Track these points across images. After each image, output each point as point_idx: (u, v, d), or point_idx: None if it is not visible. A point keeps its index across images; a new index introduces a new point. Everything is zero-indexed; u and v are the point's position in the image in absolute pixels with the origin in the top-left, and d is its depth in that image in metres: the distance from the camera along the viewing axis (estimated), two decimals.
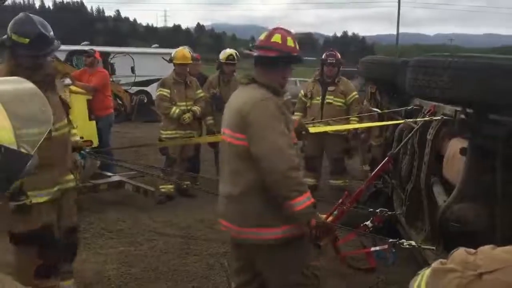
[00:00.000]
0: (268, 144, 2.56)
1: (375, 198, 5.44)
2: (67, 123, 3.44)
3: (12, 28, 3.01)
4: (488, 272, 0.84)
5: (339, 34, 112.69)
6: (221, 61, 7.05)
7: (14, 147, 0.93)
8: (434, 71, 2.65)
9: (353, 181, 7.37)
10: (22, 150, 0.95)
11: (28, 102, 1.03)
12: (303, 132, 3.30)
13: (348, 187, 6.79)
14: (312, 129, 6.27)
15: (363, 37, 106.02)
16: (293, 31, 2.93)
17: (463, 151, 2.93)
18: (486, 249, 0.91)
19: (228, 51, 7.15)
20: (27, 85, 1.08)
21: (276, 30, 2.84)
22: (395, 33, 47.06)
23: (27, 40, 2.97)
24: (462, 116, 3.11)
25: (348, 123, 6.57)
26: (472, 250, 0.92)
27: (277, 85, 2.78)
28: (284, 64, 2.81)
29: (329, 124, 6.44)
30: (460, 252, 0.93)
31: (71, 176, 3.45)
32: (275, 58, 2.75)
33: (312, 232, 2.67)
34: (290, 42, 2.78)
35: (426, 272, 0.96)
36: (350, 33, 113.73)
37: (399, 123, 4.89)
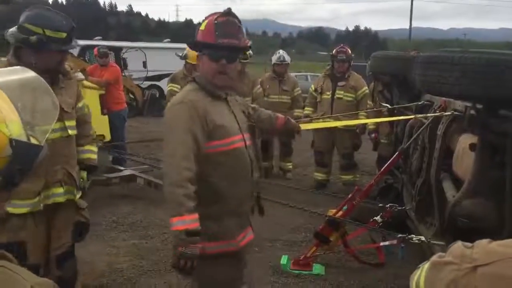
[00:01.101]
0: (165, 151, 2.36)
1: (385, 193, 5.45)
2: (60, 127, 2.96)
3: (42, 24, 2.76)
4: (483, 265, 0.86)
5: (351, 29, 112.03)
6: None
7: (24, 138, 0.93)
8: (444, 66, 2.65)
9: (364, 176, 7.38)
10: (33, 141, 0.97)
11: (34, 92, 1.03)
12: (296, 132, 3.12)
13: (358, 182, 6.82)
14: (303, 126, 6.27)
15: (376, 32, 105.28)
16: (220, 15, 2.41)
17: (472, 146, 2.94)
18: (482, 243, 0.93)
19: None
20: (31, 74, 1.07)
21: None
22: (407, 27, 46.72)
23: (65, 34, 2.81)
24: (472, 111, 3.11)
25: (358, 119, 6.57)
26: (469, 244, 0.94)
27: (208, 84, 2.42)
28: (205, 56, 2.40)
29: (339, 119, 6.44)
30: (458, 246, 0.95)
31: (61, 190, 3.00)
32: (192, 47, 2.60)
33: (175, 259, 2.25)
34: (202, 26, 2.40)
35: (425, 266, 0.98)
36: (362, 28, 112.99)
37: (410, 119, 4.89)
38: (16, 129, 0.92)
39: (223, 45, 2.33)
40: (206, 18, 2.45)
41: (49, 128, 1.03)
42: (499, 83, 2.42)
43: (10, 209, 2.68)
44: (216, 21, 2.35)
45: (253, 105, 3.00)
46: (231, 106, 2.49)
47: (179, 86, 6.70)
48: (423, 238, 3.98)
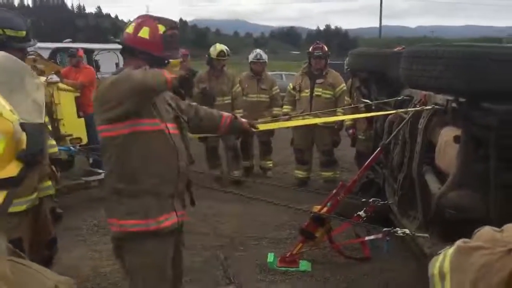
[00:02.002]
0: (124, 86, 2.41)
1: (366, 189, 5.51)
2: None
3: (2, 25, 2.94)
4: None
5: (322, 28, 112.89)
6: (212, 56, 7.04)
7: (18, 121, 0.92)
8: (428, 60, 2.69)
9: (344, 172, 7.44)
10: (36, 120, 0.97)
11: (14, 72, 1.05)
12: (246, 133, 3.19)
13: (338, 179, 6.87)
14: (261, 126, 6.30)
15: (346, 30, 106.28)
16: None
17: (456, 139, 2.99)
18: (510, 226, 0.94)
19: (219, 47, 7.14)
20: (12, 57, 1.10)
21: (138, 18, 2.60)
22: (377, 25, 47.34)
23: (24, 33, 2.98)
24: (454, 105, 3.17)
25: (337, 115, 6.61)
26: (497, 229, 0.96)
27: None
28: (141, 61, 2.53)
29: (318, 117, 6.47)
30: (487, 230, 0.96)
31: (49, 182, 3.17)
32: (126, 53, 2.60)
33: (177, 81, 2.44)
34: (144, 33, 2.51)
35: (449, 251, 0.98)
36: (332, 27, 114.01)
37: (389, 114, 4.96)
38: (11, 115, 0.91)
39: (167, 58, 2.56)
40: (143, 22, 2.53)
41: (39, 100, 1.06)
42: (483, 76, 2.47)
43: (11, 209, 2.68)
44: (164, 33, 2.52)
45: (191, 103, 3.00)
46: None
47: None
48: (407, 231, 4.05)
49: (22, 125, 0.91)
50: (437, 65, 2.61)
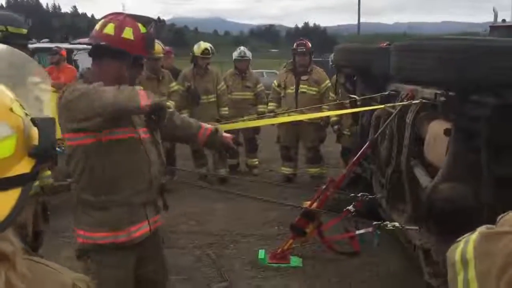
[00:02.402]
0: (95, 104, 2.24)
1: (354, 184, 5.54)
2: None
3: (5, 22, 3.05)
4: None
5: (300, 26, 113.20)
6: (196, 54, 7.00)
7: (28, 116, 0.90)
8: (419, 54, 2.72)
9: (329, 168, 7.48)
10: (46, 113, 0.95)
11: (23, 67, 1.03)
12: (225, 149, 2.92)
13: (325, 175, 6.91)
14: (269, 121, 6.34)
15: (325, 28, 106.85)
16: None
17: (447, 132, 3.03)
18: None
19: (203, 45, 7.10)
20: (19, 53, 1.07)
21: (111, 17, 2.42)
22: (355, 22, 47.71)
23: (25, 30, 3.06)
24: (443, 98, 3.20)
25: (322, 112, 6.64)
26: None
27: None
28: (118, 62, 2.40)
29: (303, 113, 6.49)
30: None
31: (49, 172, 3.29)
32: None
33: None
34: (127, 34, 2.36)
35: (471, 238, 0.97)
36: (311, 24, 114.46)
37: (376, 109, 5.00)
38: (20, 110, 0.89)
39: (147, 56, 2.44)
40: (123, 23, 2.37)
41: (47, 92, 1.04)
42: (474, 69, 2.51)
43: None
44: (146, 33, 2.40)
45: (170, 109, 2.80)
46: None
47: (141, 88, 6.54)
48: (397, 224, 4.08)
49: (33, 120, 0.89)
50: (428, 59, 2.63)
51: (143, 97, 2.14)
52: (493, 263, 0.87)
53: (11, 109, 0.84)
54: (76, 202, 2.42)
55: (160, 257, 2.66)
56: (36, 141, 0.88)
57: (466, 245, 0.96)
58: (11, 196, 0.81)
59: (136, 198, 2.39)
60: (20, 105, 0.89)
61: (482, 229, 0.97)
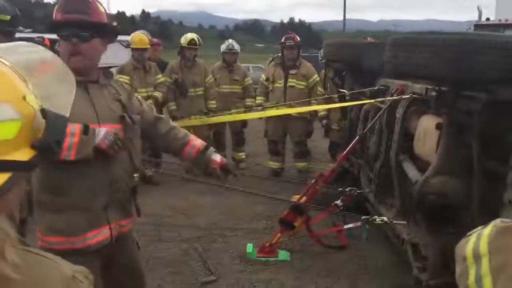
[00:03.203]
0: None
1: (341, 178, 5.55)
2: None
3: None
4: None
5: (285, 21, 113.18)
6: (183, 45, 6.93)
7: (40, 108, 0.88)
8: (415, 48, 2.71)
9: (316, 162, 7.49)
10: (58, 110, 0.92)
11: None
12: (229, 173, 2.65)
13: (312, 169, 6.92)
14: (257, 115, 6.34)
15: (310, 24, 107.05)
16: None
17: (438, 126, 3.04)
18: None
19: (190, 35, 7.04)
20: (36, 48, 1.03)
21: None
22: (339, 19, 47.82)
23: (8, 17, 3.01)
24: (433, 93, 3.21)
25: (311, 106, 6.64)
26: None
27: None
28: (59, 38, 2.22)
29: (291, 107, 6.48)
30: None
31: None
32: None
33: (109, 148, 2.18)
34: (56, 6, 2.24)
35: (484, 232, 0.94)
36: (296, 20, 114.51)
37: (364, 104, 5.01)
38: (35, 102, 0.86)
39: (69, 21, 2.15)
40: None
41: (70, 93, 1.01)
42: (471, 64, 2.51)
43: None
44: None
45: (160, 115, 2.65)
46: (90, 93, 2.21)
47: (128, 77, 6.49)
48: (385, 218, 4.10)
49: (43, 111, 0.86)
50: (424, 53, 2.63)
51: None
52: (509, 257, 0.85)
53: (24, 97, 0.83)
54: (34, 203, 2.25)
55: (132, 263, 2.46)
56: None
57: (479, 239, 0.94)
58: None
59: (94, 201, 2.20)
60: (35, 96, 0.87)
61: (497, 222, 0.95)
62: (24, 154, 0.82)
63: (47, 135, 0.85)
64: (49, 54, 1.06)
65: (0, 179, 0.78)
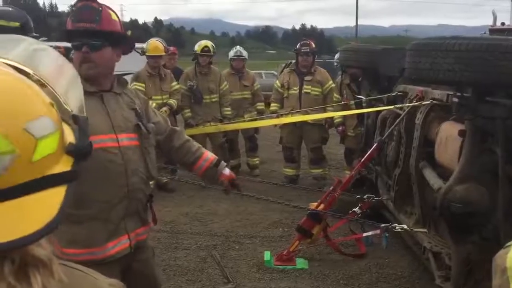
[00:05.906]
0: None
1: (359, 185, 5.50)
2: None
3: None
4: None
5: (297, 27, 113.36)
6: (197, 52, 6.95)
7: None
8: (437, 53, 2.67)
9: (331, 169, 7.44)
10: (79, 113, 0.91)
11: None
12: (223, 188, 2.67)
13: (327, 176, 6.88)
14: (272, 122, 6.32)
15: (321, 30, 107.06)
16: None
17: (461, 132, 2.99)
18: None
19: (204, 42, 7.07)
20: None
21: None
22: (351, 25, 47.75)
23: (18, 24, 2.97)
24: (455, 99, 3.17)
25: (327, 112, 6.61)
26: None
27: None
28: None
29: (307, 114, 6.44)
30: None
31: None
32: None
33: None
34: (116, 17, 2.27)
35: None
36: (308, 26, 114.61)
37: (381, 111, 4.96)
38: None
39: (78, 30, 2.15)
40: (106, 7, 2.27)
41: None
42: (494, 69, 2.47)
43: None
44: (73, 7, 2.23)
45: (175, 127, 2.64)
46: (105, 101, 2.20)
47: (143, 85, 6.51)
48: (405, 226, 4.05)
49: (74, 117, 0.85)
50: (447, 58, 2.59)
51: None
52: None
53: (51, 104, 0.80)
54: None
55: (148, 271, 2.44)
56: (70, 139, 0.83)
57: None
58: (58, 195, 0.76)
59: (112, 212, 2.19)
60: (64, 103, 0.86)
61: None
62: (65, 164, 0.80)
63: (80, 140, 0.83)
64: (61, 58, 1.05)
65: (58, 195, 0.76)
